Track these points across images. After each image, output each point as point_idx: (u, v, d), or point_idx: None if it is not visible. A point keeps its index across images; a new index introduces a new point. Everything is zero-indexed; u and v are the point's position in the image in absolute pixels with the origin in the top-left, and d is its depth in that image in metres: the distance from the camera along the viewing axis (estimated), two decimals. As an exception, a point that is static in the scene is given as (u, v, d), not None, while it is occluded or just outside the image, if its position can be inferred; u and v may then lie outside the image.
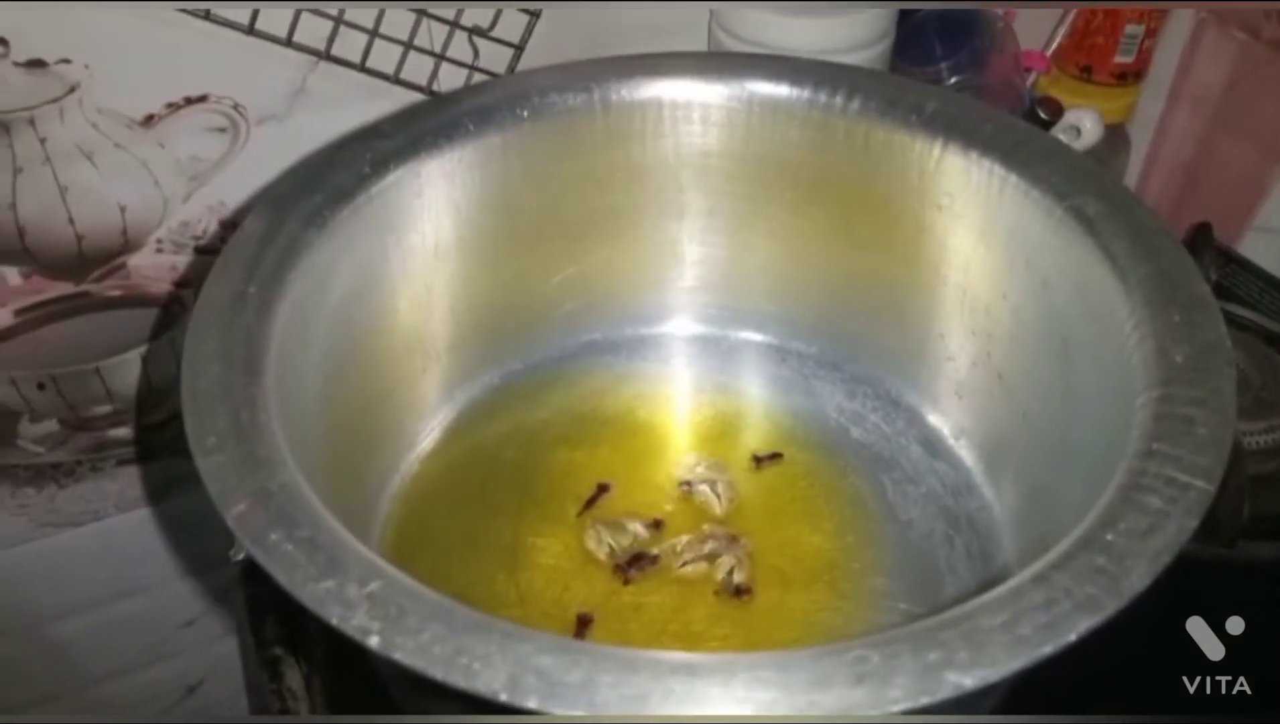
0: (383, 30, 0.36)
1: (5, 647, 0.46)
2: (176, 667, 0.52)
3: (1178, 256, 0.24)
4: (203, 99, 0.35)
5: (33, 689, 0.48)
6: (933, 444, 0.33)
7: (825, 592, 0.29)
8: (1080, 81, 0.48)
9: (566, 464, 0.33)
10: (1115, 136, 0.49)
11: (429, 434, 0.33)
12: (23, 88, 0.32)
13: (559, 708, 0.16)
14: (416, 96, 0.38)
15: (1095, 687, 0.26)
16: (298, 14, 0.34)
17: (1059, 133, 0.44)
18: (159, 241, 0.38)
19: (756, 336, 0.37)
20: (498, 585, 0.29)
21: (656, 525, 0.31)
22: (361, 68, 0.36)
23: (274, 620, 0.33)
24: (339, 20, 0.35)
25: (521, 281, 0.34)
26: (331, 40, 0.35)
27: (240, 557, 0.31)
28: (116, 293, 0.38)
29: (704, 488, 0.32)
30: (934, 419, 0.34)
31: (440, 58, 0.37)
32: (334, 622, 0.17)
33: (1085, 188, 0.27)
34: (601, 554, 0.30)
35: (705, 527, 0.31)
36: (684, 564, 0.30)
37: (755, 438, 0.34)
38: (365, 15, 0.35)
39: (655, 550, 0.30)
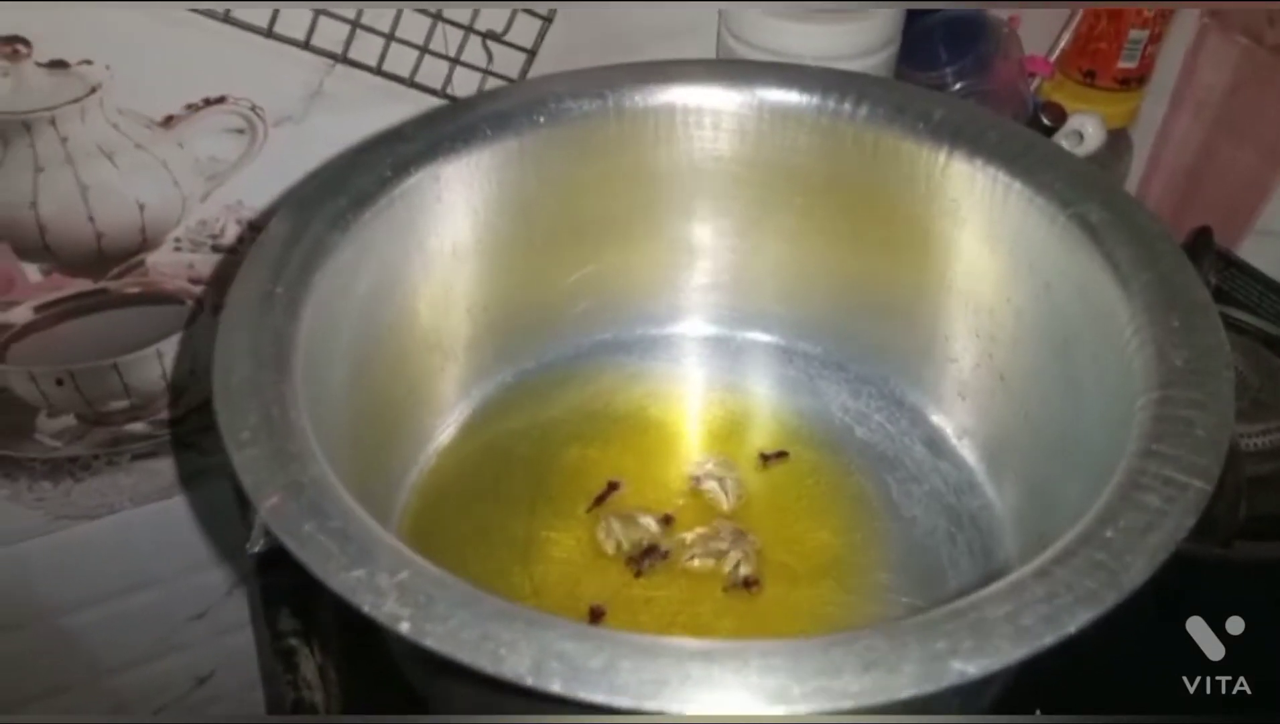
0: (399, 34, 0.36)
1: (20, 638, 0.47)
2: (187, 658, 0.53)
3: (1178, 263, 0.25)
4: (221, 100, 0.35)
5: (45, 680, 0.49)
6: (936, 443, 0.34)
7: (831, 587, 0.30)
8: (1084, 86, 0.49)
9: (579, 460, 0.34)
10: (1118, 141, 0.49)
11: (445, 430, 0.34)
12: (45, 88, 0.33)
13: (582, 691, 0.16)
14: (431, 99, 0.38)
15: (1096, 687, 0.27)
16: (316, 17, 0.35)
17: (1062, 138, 0.44)
18: (177, 240, 0.38)
19: (765, 337, 0.38)
20: (513, 578, 0.30)
21: (667, 521, 0.32)
22: (378, 71, 0.37)
23: (288, 612, 0.34)
24: (356, 23, 0.36)
25: (537, 283, 0.35)
26: (348, 43, 0.36)
27: (256, 549, 0.32)
28: (134, 290, 0.39)
29: (712, 484, 0.33)
30: (937, 419, 0.34)
31: (455, 61, 0.38)
32: (365, 609, 0.17)
33: (1088, 195, 0.27)
34: (611, 548, 0.31)
35: (715, 522, 0.32)
36: (693, 558, 0.31)
37: (762, 436, 0.35)
38: (382, 19, 0.36)
39: (665, 545, 0.31)
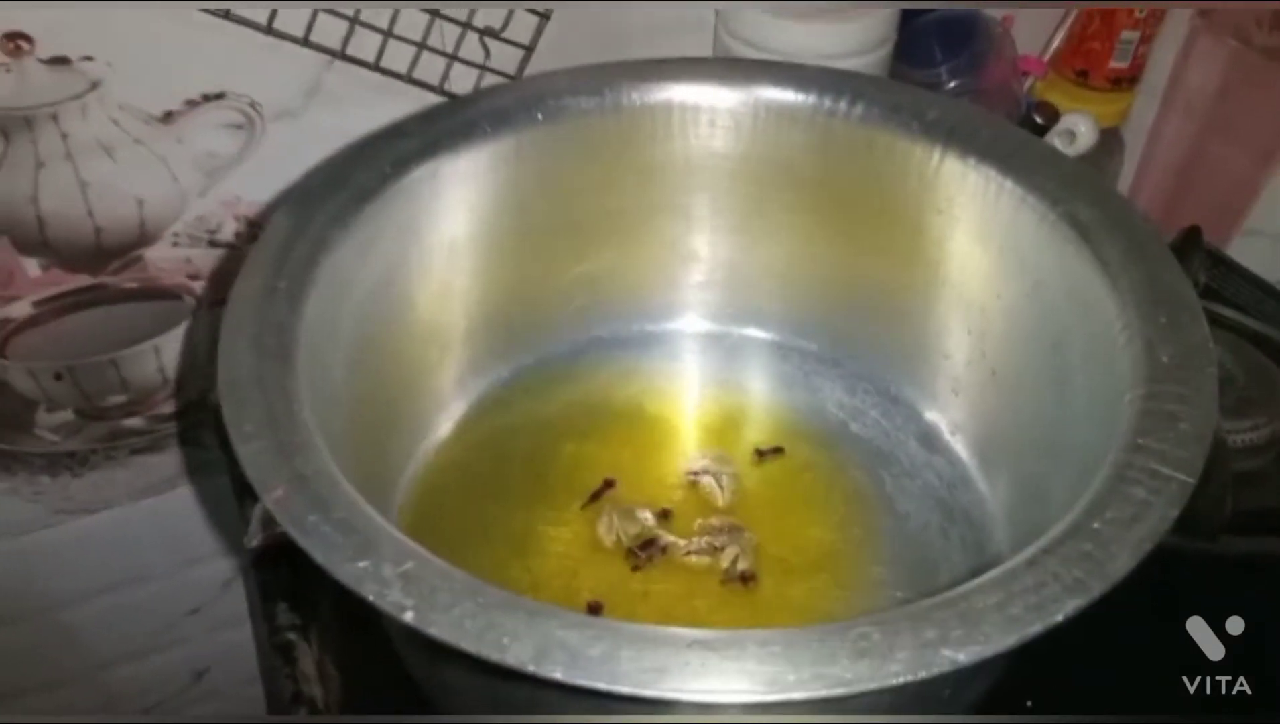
0: (397, 30, 0.37)
1: (17, 631, 0.47)
2: (184, 653, 0.53)
3: (1166, 262, 0.25)
4: (220, 96, 0.36)
5: (42, 673, 0.49)
6: (930, 439, 0.34)
7: (826, 581, 0.30)
8: (1076, 86, 0.49)
9: (576, 455, 0.34)
10: (1109, 140, 0.50)
11: (444, 425, 0.34)
12: (46, 84, 0.33)
13: (583, 679, 0.17)
14: (429, 96, 0.38)
15: (1096, 687, 0.27)
16: (314, 14, 0.35)
17: (1055, 137, 0.45)
18: (175, 235, 0.38)
19: (760, 334, 0.38)
20: (511, 571, 0.30)
21: (664, 516, 0.32)
22: (375, 67, 0.37)
23: (286, 606, 0.34)
24: (354, 20, 0.36)
25: (534, 279, 0.35)
26: (347, 40, 0.36)
27: (254, 543, 0.32)
28: (133, 285, 0.39)
29: (708, 480, 0.33)
30: (931, 415, 0.35)
31: (453, 58, 0.38)
32: (371, 598, 0.18)
33: (1079, 194, 0.28)
34: (610, 542, 0.31)
35: (711, 517, 0.32)
36: (690, 553, 0.31)
37: (758, 432, 0.35)
38: (380, 16, 0.36)
39: (663, 539, 0.31)
